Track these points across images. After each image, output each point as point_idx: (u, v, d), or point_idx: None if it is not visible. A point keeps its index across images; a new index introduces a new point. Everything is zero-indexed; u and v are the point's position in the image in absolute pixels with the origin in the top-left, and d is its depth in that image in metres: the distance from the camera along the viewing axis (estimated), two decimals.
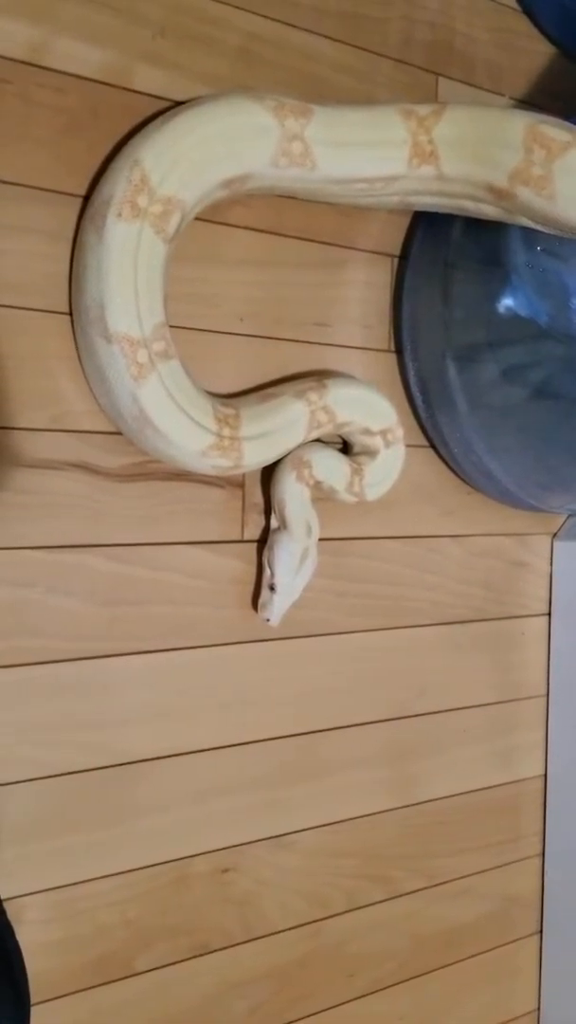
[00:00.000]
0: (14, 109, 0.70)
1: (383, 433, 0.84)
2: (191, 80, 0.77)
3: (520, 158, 0.73)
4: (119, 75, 0.74)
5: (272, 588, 0.80)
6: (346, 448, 0.87)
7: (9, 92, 0.69)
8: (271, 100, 0.72)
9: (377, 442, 0.84)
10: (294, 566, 0.80)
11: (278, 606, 0.80)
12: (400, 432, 0.85)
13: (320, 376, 0.83)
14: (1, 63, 0.69)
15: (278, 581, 0.80)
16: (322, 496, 0.84)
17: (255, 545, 0.84)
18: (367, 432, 0.84)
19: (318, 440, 0.83)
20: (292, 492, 0.80)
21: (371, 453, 0.85)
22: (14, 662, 0.73)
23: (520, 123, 0.73)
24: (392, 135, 0.76)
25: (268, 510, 0.83)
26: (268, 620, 0.80)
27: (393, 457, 0.86)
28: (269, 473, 0.82)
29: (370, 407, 0.83)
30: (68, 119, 0.72)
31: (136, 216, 0.67)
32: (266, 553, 0.81)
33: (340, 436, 0.86)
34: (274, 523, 0.82)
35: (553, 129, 0.72)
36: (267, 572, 0.81)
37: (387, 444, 0.85)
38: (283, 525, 0.80)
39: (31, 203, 0.71)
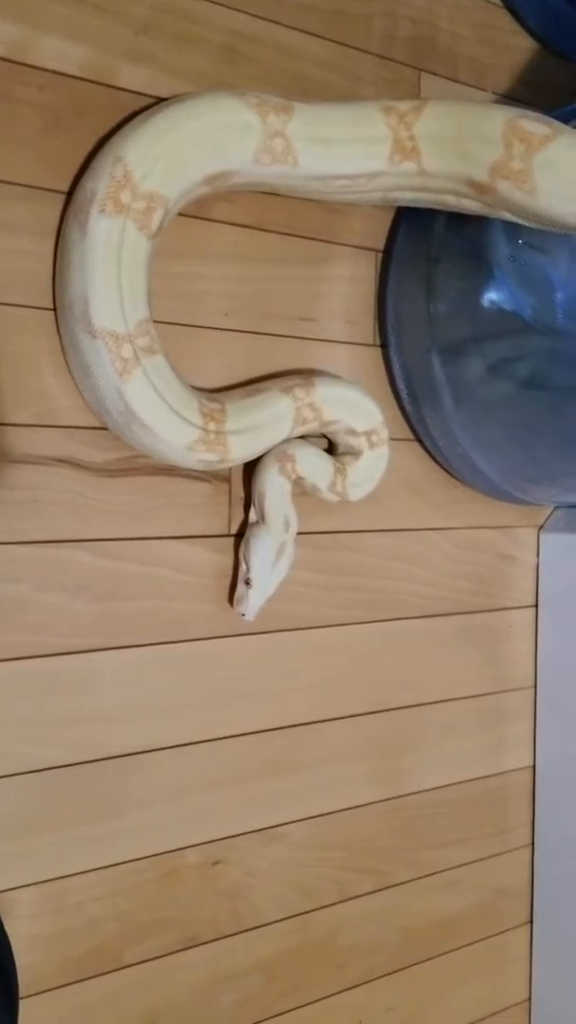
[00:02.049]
0: None
1: (368, 434, 0.85)
2: (174, 77, 0.77)
3: (500, 153, 0.73)
4: (102, 72, 0.74)
5: (248, 583, 0.80)
6: (330, 448, 0.87)
7: None
8: (253, 97, 0.73)
9: (361, 443, 0.85)
10: (270, 561, 0.80)
11: (254, 601, 0.80)
12: (385, 434, 0.86)
13: (308, 374, 0.84)
14: None
15: (254, 576, 0.79)
16: (304, 493, 0.84)
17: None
18: (352, 432, 0.84)
19: (304, 438, 0.83)
20: (274, 484, 0.80)
21: (355, 454, 0.85)
22: (2, 657, 0.73)
23: (499, 118, 0.73)
24: (373, 132, 0.76)
25: (248, 503, 0.83)
26: (244, 615, 0.80)
27: (377, 459, 0.86)
28: (252, 468, 0.82)
29: (356, 407, 0.84)
30: (51, 116, 0.72)
31: (119, 212, 0.68)
32: (242, 547, 0.81)
33: (325, 436, 0.87)
34: (252, 516, 0.82)
35: (532, 123, 0.72)
36: (243, 567, 0.80)
37: (371, 445, 0.85)
38: (261, 518, 0.81)
39: (14, 200, 0.71)
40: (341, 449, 0.87)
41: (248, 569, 0.80)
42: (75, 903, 0.78)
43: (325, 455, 0.84)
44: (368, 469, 0.86)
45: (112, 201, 0.68)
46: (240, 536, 0.83)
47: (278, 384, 0.81)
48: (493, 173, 0.74)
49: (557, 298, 0.83)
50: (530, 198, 0.73)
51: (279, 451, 0.80)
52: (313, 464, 0.82)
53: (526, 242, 0.82)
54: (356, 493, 0.86)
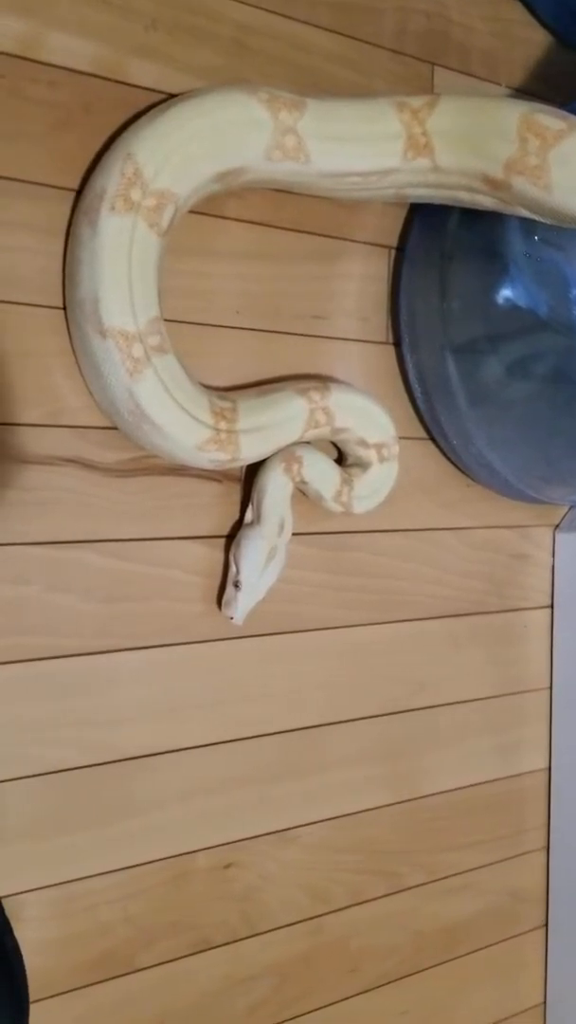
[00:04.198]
0: (5, 103, 0.69)
1: (378, 447, 0.84)
2: (184, 73, 0.76)
3: (515, 148, 0.72)
4: (112, 68, 0.73)
5: (237, 585, 0.78)
6: (339, 460, 0.86)
7: (1, 86, 0.69)
8: (264, 93, 0.72)
9: (371, 455, 0.84)
10: (260, 564, 0.78)
11: (242, 604, 0.78)
12: (396, 449, 0.85)
13: (325, 379, 0.83)
14: None
15: (243, 579, 0.78)
16: (307, 498, 0.84)
17: None
18: (363, 443, 0.83)
19: (314, 445, 0.82)
20: (276, 483, 0.79)
21: (364, 466, 0.84)
22: (11, 659, 0.73)
23: (514, 112, 0.72)
24: (386, 128, 0.75)
25: (246, 503, 0.82)
26: (232, 618, 0.78)
27: (386, 473, 0.85)
28: (255, 468, 0.81)
29: (370, 418, 0.83)
30: (61, 113, 0.71)
31: (129, 210, 0.67)
32: (233, 549, 0.80)
33: (335, 446, 0.86)
34: (248, 516, 0.81)
35: (548, 118, 0.71)
36: (232, 569, 0.79)
37: (381, 459, 0.84)
38: (256, 519, 0.79)
39: (23, 198, 0.70)
40: (350, 460, 0.86)
41: (238, 571, 0.78)
42: (86, 906, 0.77)
43: (333, 464, 0.83)
44: (375, 483, 0.85)
45: (122, 199, 0.67)
46: (231, 538, 0.82)
47: (293, 385, 0.80)
48: (508, 169, 0.73)
49: (573, 295, 0.82)
50: (546, 194, 0.72)
51: (287, 451, 0.79)
52: (320, 470, 0.81)
53: (542, 238, 0.80)
54: (361, 506, 0.84)
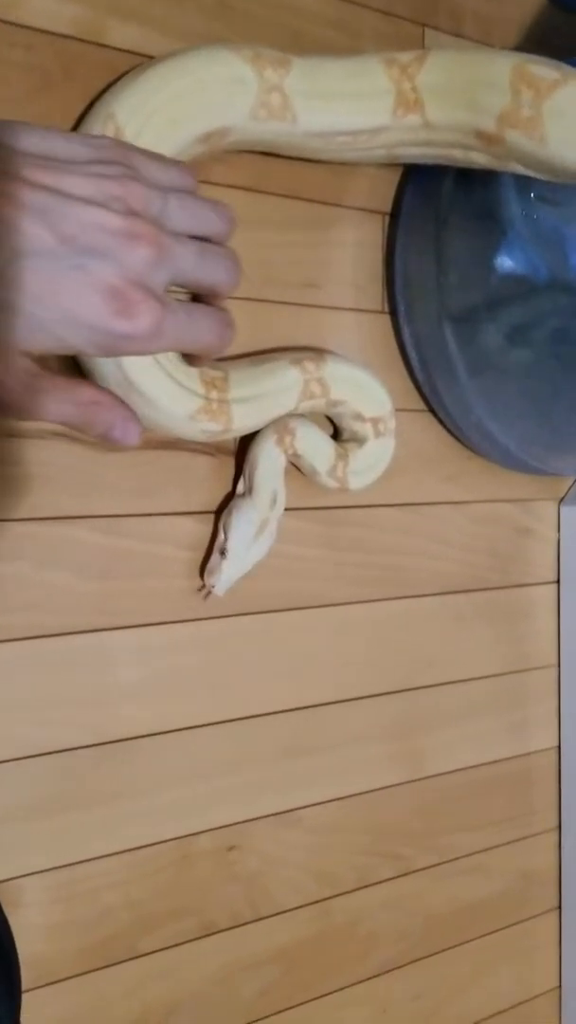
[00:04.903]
0: None
1: (374, 421, 0.82)
2: (166, 35, 0.74)
3: (508, 100, 0.70)
4: (91, 30, 0.71)
5: (223, 553, 0.76)
6: (335, 436, 0.85)
7: None
8: (248, 50, 0.70)
9: (367, 430, 0.82)
10: (250, 535, 0.76)
11: (226, 574, 0.76)
12: (392, 424, 0.83)
13: (320, 351, 0.81)
14: None
15: (230, 546, 0.75)
16: (301, 473, 0.82)
17: None
18: (358, 417, 0.81)
19: (308, 418, 0.80)
20: (268, 455, 0.77)
21: (359, 441, 0.82)
22: (4, 637, 0.71)
23: (506, 63, 0.70)
24: (375, 85, 0.73)
25: (239, 476, 0.80)
26: (213, 587, 0.76)
27: (382, 448, 0.83)
28: (248, 441, 0.79)
29: (366, 391, 0.81)
30: (39, 77, 0.70)
31: None
32: (223, 517, 0.78)
33: (330, 420, 0.84)
34: (240, 488, 0.79)
35: (541, 68, 0.69)
36: (220, 536, 0.77)
37: (377, 434, 0.82)
38: (248, 490, 0.77)
39: None
40: (345, 435, 0.84)
41: (226, 539, 0.76)
42: (86, 890, 0.76)
43: (328, 438, 0.81)
44: (371, 458, 0.83)
45: None
46: (220, 512, 0.80)
47: (288, 355, 0.78)
48: (501, 122, 0.71)
49: (572, 255, 0.80)
50: (540, 147, 0.70)
51: (279, 423, 0.78)
52: (314, 443, 0.79)
53: (539, 196, 0.78)
54: (357, 482, 0.82)
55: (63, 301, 0.38)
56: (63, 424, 0.43)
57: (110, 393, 0.42)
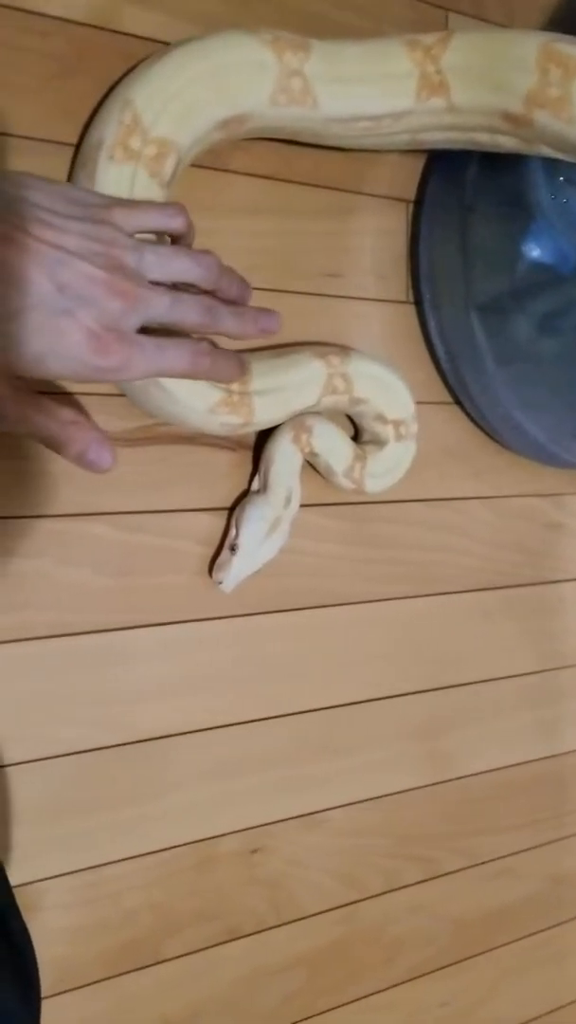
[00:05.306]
0: None
1: (396, 424, 0.80)
2: (184, 21, 0.73)
3: (535, 80, 0.68)
4: (107, 17, 0.70)
5: (233, 549, 0.74)
6: (355, 437, 0.83)
7: None
8: (268, 34, 0.68)
9: (388, 432, 0.80)
10: (262, 532, 0.74)
11: (236, 570, 0.74)
12: (414, 428, 0.81)
13: (345, 348, 0.79)
14: None
15: (241, 542, 0.74)
16: (318, 472, 0.80)
17: None
18: (380, 418, 0.79)
19: (326, 416, 0.78)
20: (283, 453, 0.75)
21: (379, 443, 0.80)
22: (23, 636, 0.70)
23: (533, 43, 0.68)
24: (397, 68, 0.71)
25: (255, 473, 0.78)
26: (221, 583, 0.74)
27: (402, 452, 0.81)
28: (265, 437, 0.77)
29: (390, 392, 0.79)
30: (56, 65, 0.68)
31: (129, 158, 0.64)
32: (236, 513, 0.76)
33: (351, 420, 0.82)
34: (255, 484, 0.77)
35: (569, 46, 0.67)
36: (232, 532, 0.75)
37: (398, 437, 0.80)
38: (263, 487, 0.76)
39: (19, 154, 0.67)
40: (366, 436, 0.82)
41: (237, 534, 0.74)
42: (108, 893, 0.74)
43: (346, 437, 0.79)
44: (390, 461, 0.81)
45: (121, 147, 0.64)
46: (234, 508, 0.78)
47: (312, 348, 0.76)
48: (528, 102, 0.68)
49: None
50: (569, 127, 0.67)
51: (296, 420, 0.76)
52: (332, 442, 0.77)
53: (568, 179, 0.76)
54: (374, 485, 0.80)
55: (54, 338, 0.47)
56: (43, 438, 0.50)
57: (89, 417, 0.51)
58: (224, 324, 0.57)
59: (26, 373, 0.48)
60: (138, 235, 0.53)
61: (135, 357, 0.49)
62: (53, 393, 0.69)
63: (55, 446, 0.51)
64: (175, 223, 0.56)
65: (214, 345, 0.57)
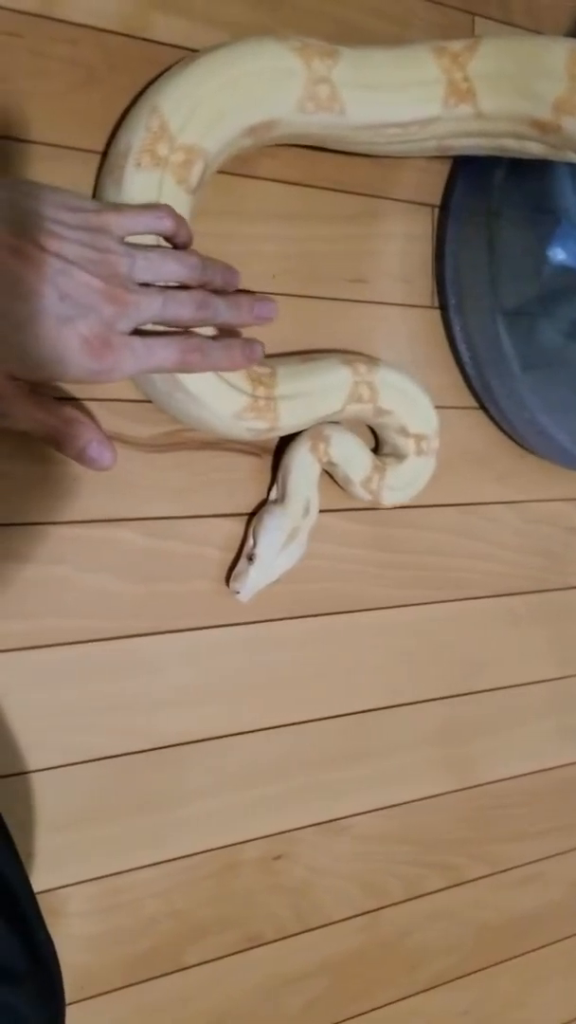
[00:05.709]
0: (26, 64, 0.67)
1: (418, 438, 0.79)
2: (211, 28, 0.73)
3: (564, 87, 0.67)
4: (135, 25, 0.70)
5: (251, 559, 0.74)
6: (375, 449, 0.82)
7: (20, 46, 0.66)
8: (296, 41, 0.68)
9: (409, 446, 0.79)
10: (280, 542, 0.74)
11: (253, 579, 0.73)
12: (436, 444, 0.80)
13: (373, 357, 0.79)
14: (11, 16, 0.66)
15: (259, 552, 0.73)
16: (335, 482, 0.80)
17: None
18: (403, 431, 0.79)
19: (345, 426, 0.78)
20: (301, 462, 0.75)
21: (400, 456, 0.80)
22: (47, 643, 0.70)
23: (562, 49, 0.68)
24: (425, 75, 0.71)
25: (273, 481, 0.78)
26: (238, 593, 0.73)
27: (422, 467, 0.81)
28: (285, 444, 0.77)
29: (415, 405, 0.79)
30: (83, 73, 0.69)
31: (156, 165, 0.64)
32: (254, 522, 0.76)
33: (372, 432, 0.82)
34: (273, 494, 0.77)
35: None
36: (249, 541, 0.75)
37: (419, 451, 0.80)
38: (281, 497, 0.75)
39: (46, 161, 0.67)
40: (386, 449, 0.82)
41: (255, 544, 0.74)
42: (130, 900, 0.74)
43: (365, 448, 0.79)
44: (409, 475, 0.80)
45: (149, 154, 0.64)
46: (253, 516, 0.78)
47: (340, 355, 0.76)
48: (557, 109, 0.68)
49: None
50: None
51: (315, 429, 0.76)
52: (350, 452, 0.77)
53: None
54: (391, 497, 0.80)
55: (54, 345, 0.50)
56: (45, 435, 0.53)
57: (90, 416, 0.54)
58: (219, 316, 0.59)
59: (27, 377, 0.51)
60: (129, 238, 0.56)
61: (125, 358, 0.52)
62: (80, 399, 0.70)
63: (57, 443, 0.53)
64: (163, 225, 0.58)
65: (227, 337, 0.61)
